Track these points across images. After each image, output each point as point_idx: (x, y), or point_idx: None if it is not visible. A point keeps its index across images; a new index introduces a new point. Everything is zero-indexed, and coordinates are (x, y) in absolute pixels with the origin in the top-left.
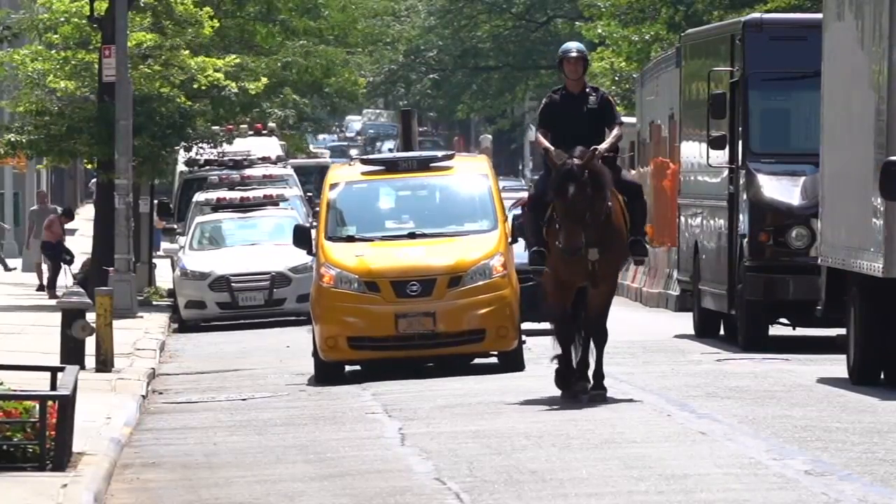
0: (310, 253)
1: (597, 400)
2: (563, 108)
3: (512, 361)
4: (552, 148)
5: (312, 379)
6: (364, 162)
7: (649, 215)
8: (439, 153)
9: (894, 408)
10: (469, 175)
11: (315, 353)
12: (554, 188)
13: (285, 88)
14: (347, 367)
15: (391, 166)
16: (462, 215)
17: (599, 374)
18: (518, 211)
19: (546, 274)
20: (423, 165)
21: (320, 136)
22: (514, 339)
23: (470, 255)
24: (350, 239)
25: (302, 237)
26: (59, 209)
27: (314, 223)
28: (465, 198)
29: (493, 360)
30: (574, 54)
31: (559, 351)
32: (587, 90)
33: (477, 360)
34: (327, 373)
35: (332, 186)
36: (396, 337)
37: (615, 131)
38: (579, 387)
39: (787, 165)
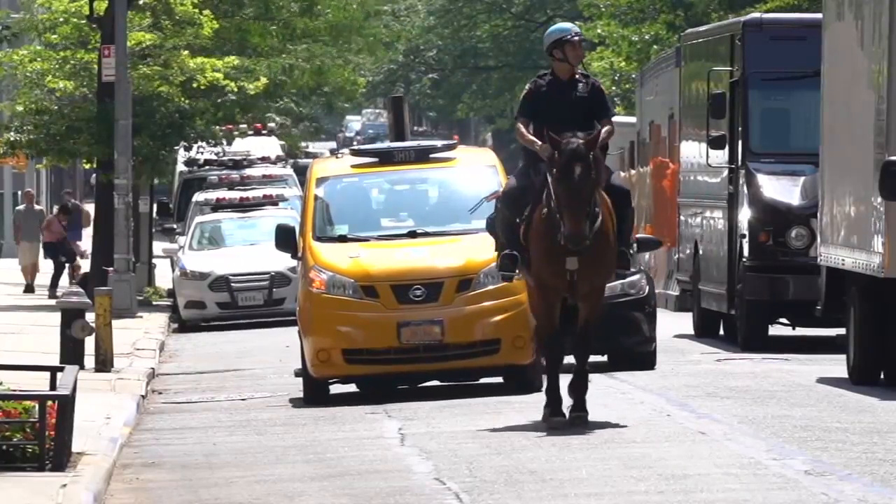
0: (294, 256)
1: (577, 423)
2: (549, 96)
3: (526, 379)
4: (536, 140)
5: (301, 402)
6: (355, 153)
7: (649, 215)
8: (439, 142)
9: (894, 408)
10: (475, 167)
11: (304, 370)
12: (559, 169)
13: (283, 97)
14: (340, 387)
15: (385, 158)
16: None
17: (580, 392)
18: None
19: (529, 288)
20: (423, 156)
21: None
22: (532, 352)
23: (480, 256)
24: (342, 239)
25: (285, 239)
26: (55, 208)
27: None
28: (472, 192)
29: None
30: (577, 38)
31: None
32: (577, 76)
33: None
34: (319, 392)
35: (319, 181)
36: (399, 349)
37: (607, 127)
38: (553, 423)
39: (787, 165)
